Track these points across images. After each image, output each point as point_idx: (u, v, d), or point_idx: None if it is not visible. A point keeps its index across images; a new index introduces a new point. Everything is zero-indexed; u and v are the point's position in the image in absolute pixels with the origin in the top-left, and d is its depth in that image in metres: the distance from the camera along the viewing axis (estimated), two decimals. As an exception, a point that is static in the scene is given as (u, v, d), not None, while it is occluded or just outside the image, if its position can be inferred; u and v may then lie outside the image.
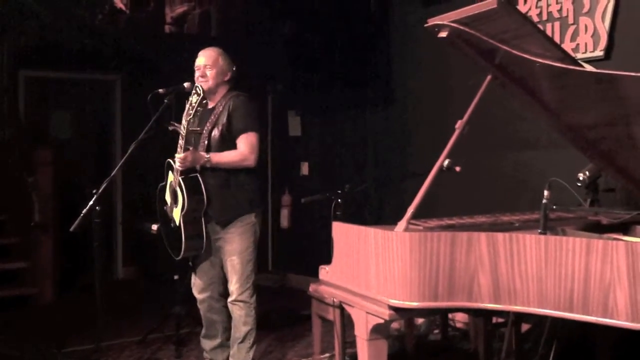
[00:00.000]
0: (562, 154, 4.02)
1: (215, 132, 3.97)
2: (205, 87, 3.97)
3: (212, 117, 4.00)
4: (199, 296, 4.21)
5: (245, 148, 3.94)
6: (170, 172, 3.99)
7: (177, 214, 3.93)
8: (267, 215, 7.80)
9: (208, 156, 3.87)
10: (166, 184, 4.08)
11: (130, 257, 7.83)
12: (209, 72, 4.02)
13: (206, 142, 3.96)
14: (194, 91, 3.78)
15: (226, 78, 4.09)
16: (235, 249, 4.01)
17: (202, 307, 4.23)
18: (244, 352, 4.09)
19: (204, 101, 3.85)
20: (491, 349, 4.07)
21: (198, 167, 3.92)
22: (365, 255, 2.97)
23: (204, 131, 3.99)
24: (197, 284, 4.21)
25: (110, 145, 7.91)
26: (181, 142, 3.79)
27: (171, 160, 3.93)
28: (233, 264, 4.01)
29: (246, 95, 4.10)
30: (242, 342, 4.08)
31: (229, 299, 4.07)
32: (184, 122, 3.81)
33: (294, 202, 7.49)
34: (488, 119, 4.95)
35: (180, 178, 3.84)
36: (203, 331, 4.31)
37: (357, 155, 6.75)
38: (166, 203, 4.07)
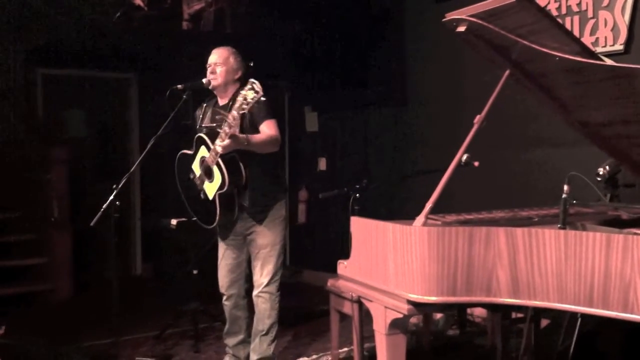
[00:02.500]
0: (579, 150, 4.00)
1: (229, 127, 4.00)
2: (215, 84, 4.09)
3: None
4: (225, 293, 4.26)
5: (273, 131, 3.98)
6: (202, 147, 3.99)
7: (211, 189, 3.97)
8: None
9: (246, 137, 3.83)
10: (192, 155, 4.09)
11: (148, 253, 7.86)
12: (218, 70, 4.08)
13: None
14: (250, 86, 3.65)
15: (236, 76, 4.13)
16: (268, 242, 4.09)
17: (227, 304, 4.28)
18: (266, 345, 4.13)
19: (263, 99, 3.73)
20: (509, 344, 4.05)
21: None
22: (383, 249, 2.97)
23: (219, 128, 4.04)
24: (223, 282, 4.26)
25: (127, 143, 7.95)
26: (226, 129, 3.73)
27: (203, 136, 3.95)
28: (265, 256, 4.09)
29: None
30: (265, 334, 4.13)
31: (255, 292, 4.13)
32: (234, 112, 3.70)
33: (311, 197, 7.49)
34: (505, 116, 4.95)
35: (218, 159, 3.84)
36: (226, 328, 4.35)
37: (374, 150, 6.74)
38: (193, 173, 4.10)
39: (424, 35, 6.04)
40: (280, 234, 4.15)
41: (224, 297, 4.28)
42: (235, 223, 4.12)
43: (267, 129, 3.98)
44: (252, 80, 3.65)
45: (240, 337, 4.31)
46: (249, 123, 3.98)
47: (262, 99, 4.03)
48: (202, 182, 4.04)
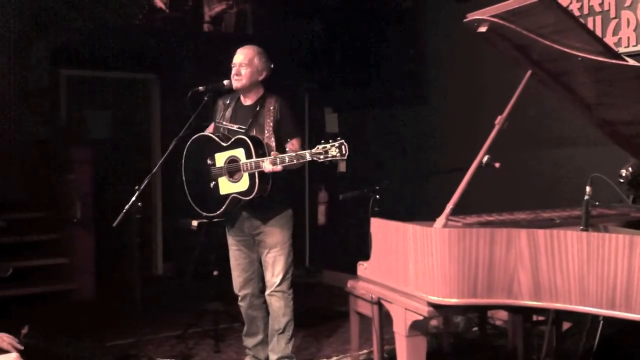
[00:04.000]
0: (601, 151, 3.97)
1: (258, 131, 4.03)
2: (238, 85, 4.08)
3: (250, 117, 4.07)
4: (240, 293, 4.28)
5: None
6: (240, 149, 3.93)
7: (229, 187, 3.99)
8: (304, 211, 7.83)
9: (290, 165, 3.81)
10: (220, 144, 4.04)
11: (169, 254, 7.90)
12: (243, 71, 4.06)
13: None
14: (338, 145, 3.51)
15: (261, 78, 4.12)
16: (277, 241, 4.10)
17: (243, 305, 4.30)
18: (284, 344, 4.15)
19: (340, 161, 3.66)
20: (530, 347, 4.03)
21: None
22: (403, 251, 2.96)
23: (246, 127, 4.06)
24: (237, 282, 4.28)
25: (148, 144, 8.00)
26: (286, 159, 3.70)
27: (248, 141, 3.89)
28: (275, 256, 4.10)
29: (287, 100, 4.16)
30: (282, 332, 4.14)
31: (268, 291, 4.15)
32: (306, 154, 3.62)
33: (330, 198, 7.48)
34: (526, 116, 4.92)
35: (256, 170, 3.85)
36: (245, 329, 4.37)
37: (394, 151, 6.73)
38: (213, 160, 4.08)
39: (443, 35, 6.02)
40: (288, 232, 4.15)
41: (239, 298, 4.30)
42: (237, 220, 4.15)
43: (299, 146, 4.03)
44: (343, 141, 3.52)
45: (259, 337, 4.32)
46: (278, 128, 4.02)
47: (290, 110, 4.08)
48: (220, 175, 4.04)
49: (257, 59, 4.10)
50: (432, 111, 6.28)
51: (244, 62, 4.07)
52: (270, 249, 4.12)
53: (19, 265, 5.99)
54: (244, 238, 4.20)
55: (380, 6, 6.69)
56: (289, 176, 4.09)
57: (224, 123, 4.17)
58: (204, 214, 4.16)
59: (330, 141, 3.54)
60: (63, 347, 4.78)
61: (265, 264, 4.16)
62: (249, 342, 4.37)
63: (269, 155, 3.81)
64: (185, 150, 4.23)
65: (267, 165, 3.76)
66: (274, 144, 3.99)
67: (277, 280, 4.11)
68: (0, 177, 6.73)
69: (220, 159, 4.05)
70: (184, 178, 4.25)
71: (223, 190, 4.03)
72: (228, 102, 4.24)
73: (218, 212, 4.05)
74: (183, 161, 4.25)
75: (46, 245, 6.72)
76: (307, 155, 3.60)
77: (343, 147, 3.50)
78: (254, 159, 3.84)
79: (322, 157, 3.54)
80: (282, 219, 4.13)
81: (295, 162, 3.70)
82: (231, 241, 4.27)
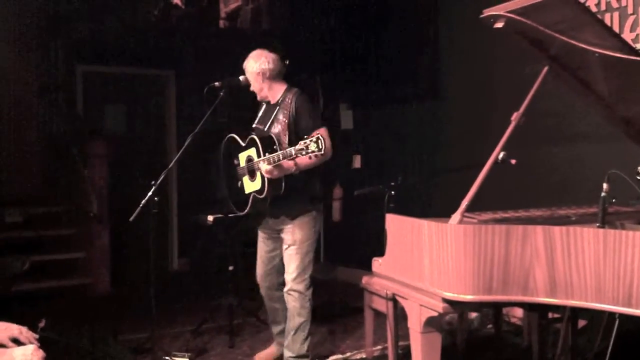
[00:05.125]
0: (619, 148, 3.93)
1: (275, 128, 4.07)
2: (258, 97, 4.24)
3: (272, 114, 4.13)
4: (260, 284, 4.40)
5: (327, 144, 3.93)
6: (253, 148, 4.03)
7: (249, 186, 4.12)
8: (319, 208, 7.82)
9: (296, 165, 3.88)
10: (241, 145, 4.17)
11: (185, 249, 7.93)
12: (251, 85, 4.19)
13: None
14: (315, 139, 3.53)
15: (261, 78, 4.13)
16: (296, 240, 4.12)
17: (263, 295, 4.43)
18: (299, 344, 4.16)
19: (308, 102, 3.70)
20: (546, 344, 4.01)
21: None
22: (418, 247, 2.96)
23: (265, 127, 4.13)
24: (258, 273, 4.40)
25: (165, 139, 8.03)
26: (274, 158, 3.77)
27: (257, 141, 3.97)
28: (292, 253, 4.13)
29: (306, 94, 4.18)
30: (295, 333, 4.15)
31: (285, 289, 4.17)
32: (292, 150, 3.65)
33: (345, 194, 7.48)
34: (542, 112, 4.89)
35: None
36: (269, 317, 4.50)
37: (409, 148, 6.72)
38: (238, 160, 4.22)
39: (458, 31, 6.00)
40: (309, 231, 4.16)
41: (260, 288, 4.41)
42: (265, 214, 4.20)
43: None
44: (319, 136, 3.53)
45: (283, 326, 4.39)
46: (293, 130, 4.02)
47: (308, 102, 4.10)
48: (243, 175, 4.17)
49: (252, 67, 4.16)
50: (448, 107, 6.26)
51: (248, 77, 4.19)
52: (288, 246, 4.15)
53: (35, 260, 6.04)
54: (269, 231, 4.29)
55: (394, 3, 6.69)
56: (308, 176, 4.09)
57: (255, 124, 4.28)
58: (239, 212, 4.27)
59: (306, 137, 3.57)
60: (79, 340, 4.81)
61: (284, 261, 4.22)
62: (274, 329, 4.50)
63: (282, 151, 3.83)
64: (221, 152, 4.37)
65: (264, 168, 3.84)
66: (287, 140, 4.00)
67: (290, 278, 4.13)
68: (17, 172, 6.79)
69: (242, 158, 4.20)
70: (223, 182, 4.40)
71: (247, 189, 4.16)
72: (265, 103, 4.32)
73: (246, 210, 4.17)
74: (221, 163, 4.39)
75: (62, 240, 6.76)
76: (293, 152, 3.64)
77: (319, 141, 3.52)
78: (262, 158, 3.90)
79: (304, 152, 3.57)
80: (303, 219, 4.14)
81: (288, 159, 3.72)
82: (259, 232, 4.37)
